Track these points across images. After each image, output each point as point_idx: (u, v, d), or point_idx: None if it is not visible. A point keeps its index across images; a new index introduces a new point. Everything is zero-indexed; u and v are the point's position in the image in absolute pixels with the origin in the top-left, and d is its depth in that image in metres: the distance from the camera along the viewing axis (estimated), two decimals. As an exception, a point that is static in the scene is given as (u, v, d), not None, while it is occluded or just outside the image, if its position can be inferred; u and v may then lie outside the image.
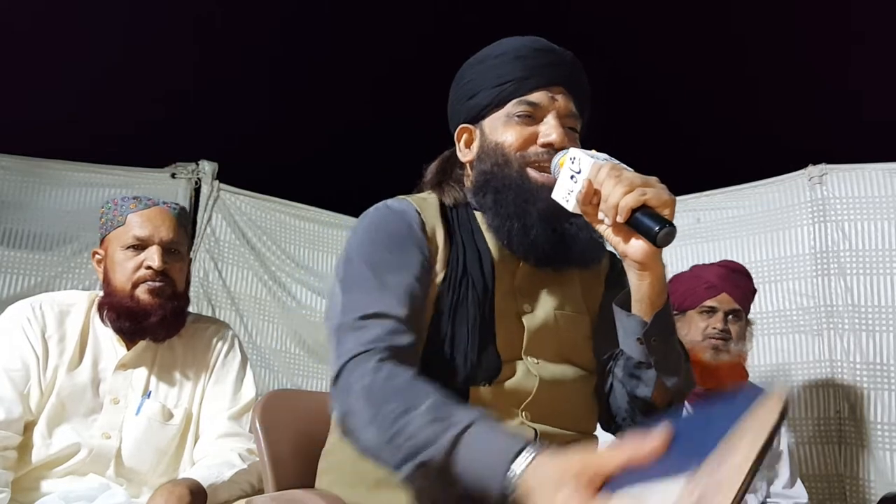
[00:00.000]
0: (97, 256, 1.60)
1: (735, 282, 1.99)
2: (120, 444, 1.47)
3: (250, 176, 2.97)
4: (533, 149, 1.10)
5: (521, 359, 1.08)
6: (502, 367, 1.04)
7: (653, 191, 0.94)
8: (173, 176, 2.84)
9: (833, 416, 2.40)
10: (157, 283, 1.52)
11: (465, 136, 1.19)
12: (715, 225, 2.71)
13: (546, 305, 1.12)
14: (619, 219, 0.94)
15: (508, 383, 1.05)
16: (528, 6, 3.23)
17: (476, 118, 1.16)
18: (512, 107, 1.12)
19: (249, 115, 3.34)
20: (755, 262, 2.62)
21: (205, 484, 1.34)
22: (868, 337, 2.36)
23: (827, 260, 2.46)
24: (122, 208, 1.56)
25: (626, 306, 1.04)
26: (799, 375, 2.49)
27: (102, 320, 1.54)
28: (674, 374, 1.05)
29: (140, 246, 1.53)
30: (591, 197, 0.98)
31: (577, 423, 1.12)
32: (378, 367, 0.91)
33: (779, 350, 2.54)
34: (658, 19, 3.34)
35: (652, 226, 0.92)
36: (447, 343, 1.03)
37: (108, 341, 1.54)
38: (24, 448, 1.42)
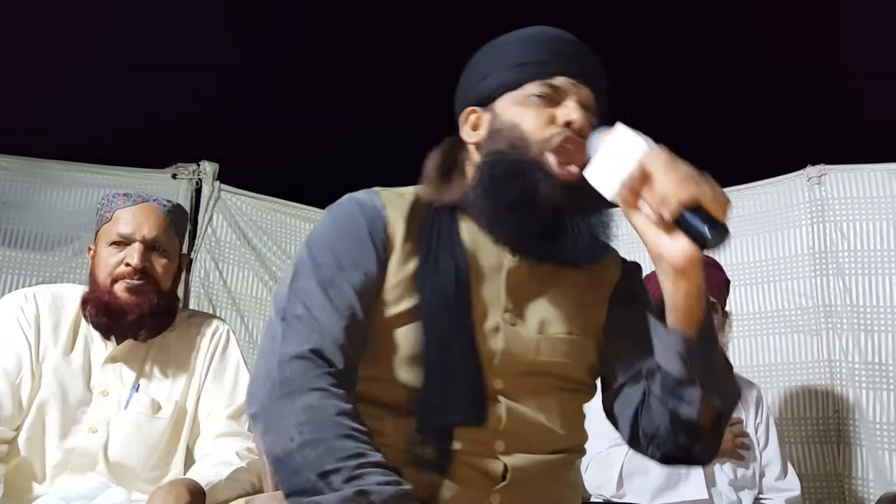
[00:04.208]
0: (91, 252, 1.59)
1: (706, 275, 1.99)
2: (107, 439, 1.46)
3: (251, 176, 2.98)
4: (552, 129, 1.01)
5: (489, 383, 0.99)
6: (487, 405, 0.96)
7: (709, 188, 0.86)
8: (174, 177, 2.84)
9: (832, 416, 2.40)
10: (136, 282, 1.49)
11: (471, 119, 1.08)
12: (714, 225, 2.71)
13: (531, 322, 1.03)
14: (667, 215, 0.86)
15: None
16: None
17: (487, 99, 1.06)
18: (531, 87, 1.03)
19: (250, 115, 3.34)
20: (754, 262, 2.63)
21: (203, 483, 1.35)
22: (866, 337, 2.36)
23: (825, 260, 2.47)
24: (111, 204, 1.55)
25: (661, 314, 0.96)
26: (797, 375, 2.49)
27: (85, 315, 1.52)
28: (719, 391, 0.96)
29: (123, 242, 1.51)
30: (639, 183, 0.89)
31: (557, 442, 1.03)
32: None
33: (777, 350, 2.54)
34: (657, 19, 3.34)
35: (702, 226, 0.83)
36: (432, 384, 0.95)
37: (98, 334, 1.53)
38: (15, 442, 1.41)
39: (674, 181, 0.85)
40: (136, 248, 1.50)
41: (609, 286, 1.11)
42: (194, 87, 3.20)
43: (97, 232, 1.57)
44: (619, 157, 0.90)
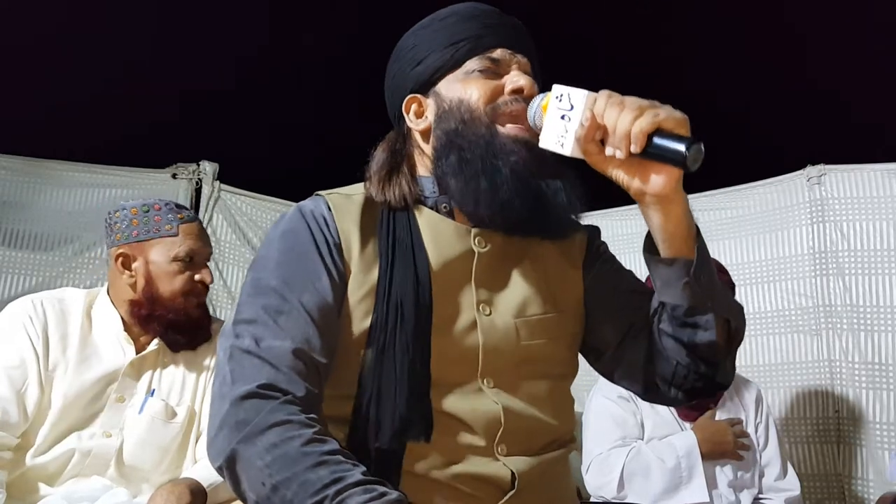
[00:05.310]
0: (122, 258, 1.54)
1: None
2: (121, 442, 1.46)
3: (251, 176, 2.98)
4: (501, 99, 1.00)
5: (478, 381, 0.97)
6: (433, 421, 0.93)
7: (664, 110, 0.85)
8: (174, 176, 2.84)
9: (832, 416, 2.41)
10: (203, 299, 1.57)
11: (413, 107, 1.06)
12: (714, 225, 2.72)
13: (506, 308, 1.01)
14: (635, 148, 0.84)
15: (472, 415, 0.95)
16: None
17: (427, 84, 1.04)
18: (471, 64, 1.01)
19: (250, 115, 3.34)
20: (754, 262, 2.63)
21: (205, 483, 1.35)
22: (866, 337, 2.36)
23: (825, 260, 2.47)
24: (169, 217, 1.54)
25: (653, 252, 0.95)
26: (797, 375, 2.50)
27: (143, 327, 1.53)
28: (728, 306, 0.97)
29: (190, 259, 1.54)
30: (595, 132, 0.88)
31: (551, 433, 1.02)
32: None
33: (777, 350, 2.54)
34: (655, 19, 3.34)
35: (678, 147, 0.83)
36: (373, 398, 0.92)
37: (113, 339, 1.52)
38: (24, 449, 1.41)
39: (628, 115, 0.84)
40: (206, 267, 1.57)
41: (579, 253, 1.10)
42: (194, 86, 3.20)
43: (144, 241, 1.53)
44: (565, 114, 0.89)
